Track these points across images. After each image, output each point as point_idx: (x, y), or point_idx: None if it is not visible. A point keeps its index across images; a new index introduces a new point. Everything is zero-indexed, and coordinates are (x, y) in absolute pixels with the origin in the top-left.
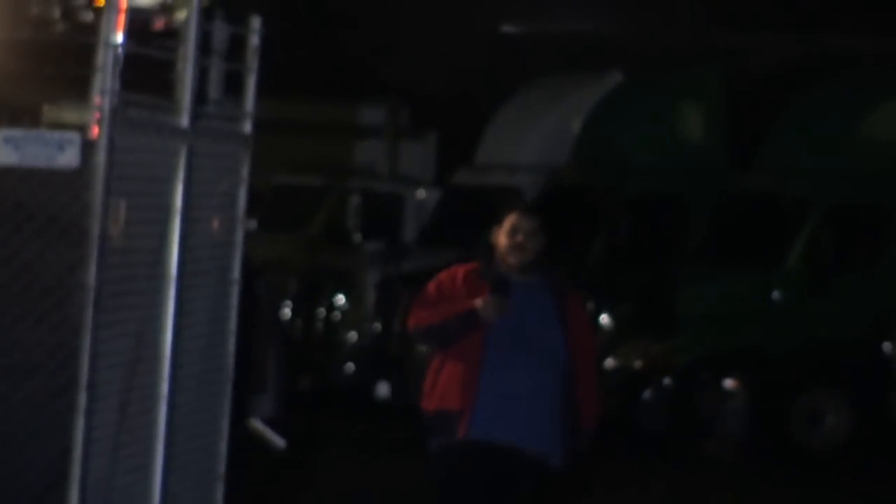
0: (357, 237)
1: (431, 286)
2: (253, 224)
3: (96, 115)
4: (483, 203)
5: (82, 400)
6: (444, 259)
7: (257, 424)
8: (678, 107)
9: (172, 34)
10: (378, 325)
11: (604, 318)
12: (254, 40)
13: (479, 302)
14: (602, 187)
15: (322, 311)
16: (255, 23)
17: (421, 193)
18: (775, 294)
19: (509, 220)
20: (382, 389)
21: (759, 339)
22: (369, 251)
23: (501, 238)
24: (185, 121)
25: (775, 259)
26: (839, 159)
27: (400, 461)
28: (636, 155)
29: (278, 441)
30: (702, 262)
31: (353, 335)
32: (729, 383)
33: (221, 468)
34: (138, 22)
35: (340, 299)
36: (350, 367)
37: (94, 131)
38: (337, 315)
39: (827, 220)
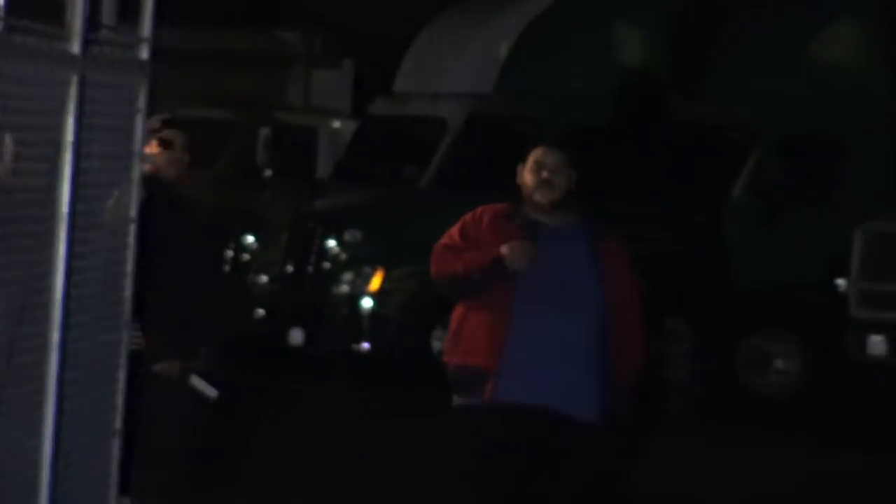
0: (267, 173)
1: (455, 230)
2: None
3: None
4: (403, 134)
5: None
6: (360, 196)
7: (194, 379)
8: (615, 28)
9: None
10: (290, 268)
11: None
12: None
13: (504, 248)
14: (528, 119)
15: (230, 253)
16: None
17: (336, 125)
18: (721, 229)
19: (533, 156)
20: (296, 336)
21: (704, 278)
22: (280, 188)
23: (526, 176)
24: (75, 47)
25: (721, 192)
26: (789, 85)
27: (319, 415)
28: (567, 83)
29: (210, 391)
30: (645, 196)
31: (263, 278)
32: (671, 324)
33: (118, 422)
34: None
35: (249, 240)
36: (260, 312)
37: None
38: (246, 257)
39: (775, 150)
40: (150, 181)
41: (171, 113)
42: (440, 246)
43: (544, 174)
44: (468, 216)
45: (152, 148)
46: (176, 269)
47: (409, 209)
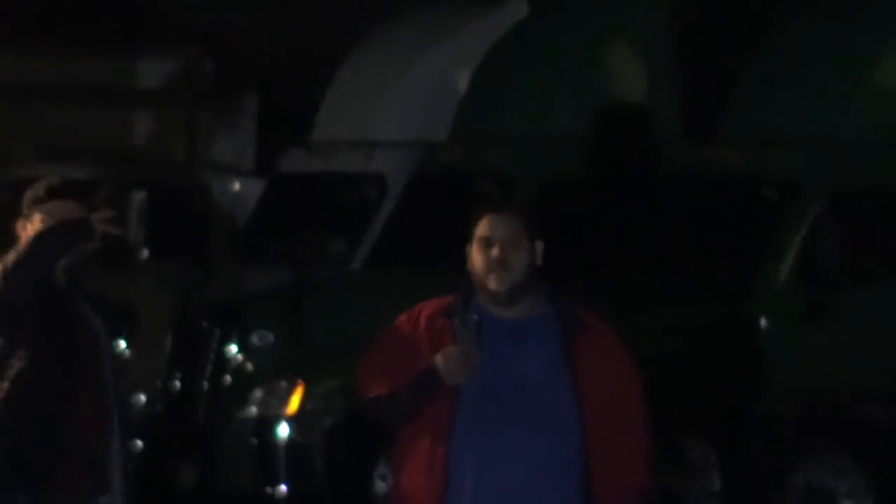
0: (142, 253)
1: (385, 337)
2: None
3: None
4: (326, 197)
5: None
6: (269, 283)
7: None
8: (606, 50)
9: None
10: (177, 383)
11: None
12: None
13: (438, 357)
14: (495, 174)
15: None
16: None
17: (235, 186)
18: (762, 321)
19: (478, 229)
20: (187, 476)
21: (732, 387)
22: (160, 274)
23: (474, 257)
24: None
25: (751, 269)
26: (842, 124)
27: None
28: (544, 125)
29: None
30: (647, 275)
31: (139, 399)
32: (694, 450)
33: None
34: None
35: (121, 345)
36: (137, 444)
37: None
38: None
39: (825, 210)
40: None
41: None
42: (365, 359)
43: (494, 252)
44: (403, 317)
45: (35, 224)
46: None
47: (337, 299)
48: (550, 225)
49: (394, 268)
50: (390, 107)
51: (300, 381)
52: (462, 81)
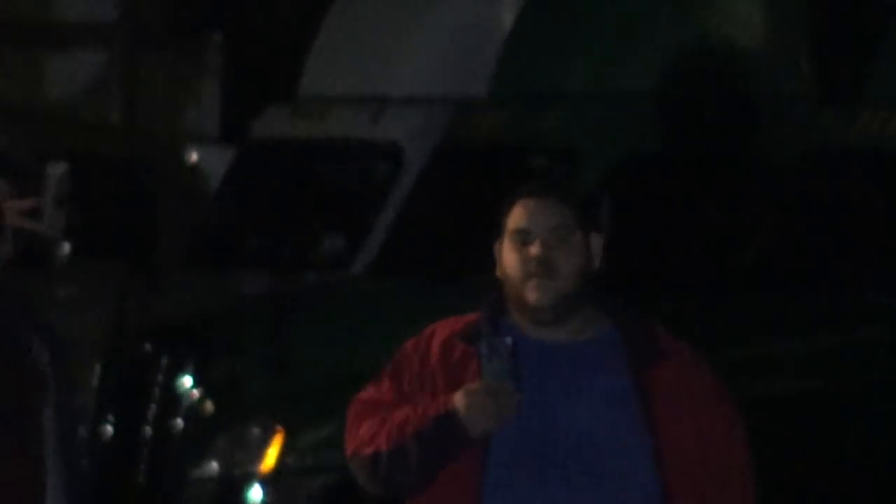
0: (62, 250)
1: (383, 373)
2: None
3: None
4: (317, 174)
5: None
6: (238, 291)
7: None
8: None
9: None
10: (108, 427)
11: None
12: None
13: (458, 398)
14: (555, 144)
15: None
16: None
17: (192, 158)
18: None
19: (513, 218)
20: None
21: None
22: (87, 276)
23: (506, 258)
24: None
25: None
26: None
27: None
28: (627, 79)
29: None
30: (757, 286)
31: None
32: None
33: None
34: None
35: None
36: None
37: None
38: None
39: None
40: None
41: None
42: (358, 402)
43: (534, 250)
44: (409, 343)
45: None
46: None
47: (332, 317)
48: (622, 216)
49: (410, 274)
50: (406, 52)
51: (279, 427)
52: (505, 19)
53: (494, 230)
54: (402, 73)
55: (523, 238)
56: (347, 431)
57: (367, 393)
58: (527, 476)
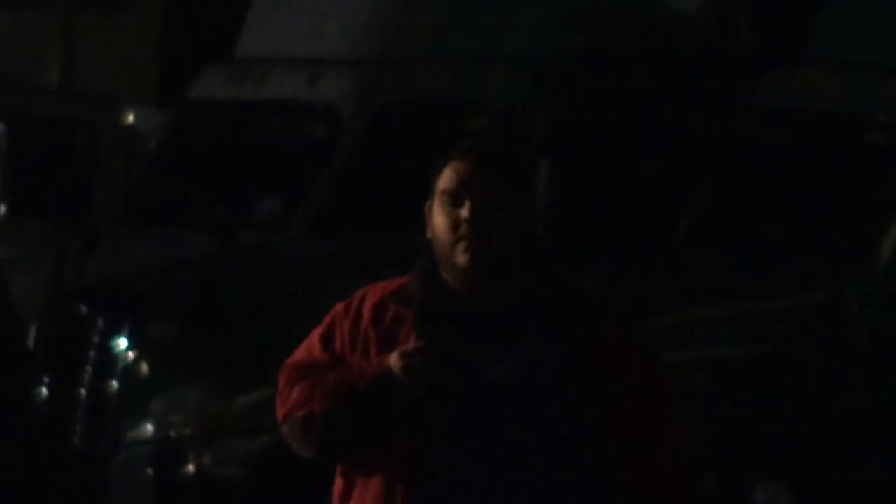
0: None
1: (316, 334)
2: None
3: None
4: (254, 136)
5: None
6: (174, 253)
7: None
8: None
9: None
10: (42, 392)
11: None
12: None
13: (392, 359)
14: (499, 103)
15: None
16: None
17: (128, 119)
18: (859, 312)
19: (443, 177)
20: None
21: (826, 408)
22: (21, 237)
23: (436, 220)
24: None
25: (859, 243)
26: None
27: None
28: (572, 37)
29: None
30: (701, 248)
31: None
32: (763, 491)
33: None
34: None
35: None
36: None
37: None
38: None
39: None
40: None
41: None
42: (289, 366)
43: (464, 212)
44: (341, 306)
45: None
46: None
47: (269, 277)
48: (562, 178)
49: (349, 235)
50: (343, 13)
51: (215, 389)
52: None
53: (426, 191)
54: (340, 34)
55: (454, 200)
56: (279, 395)
57: (298, 356)
58: (462, 435)
